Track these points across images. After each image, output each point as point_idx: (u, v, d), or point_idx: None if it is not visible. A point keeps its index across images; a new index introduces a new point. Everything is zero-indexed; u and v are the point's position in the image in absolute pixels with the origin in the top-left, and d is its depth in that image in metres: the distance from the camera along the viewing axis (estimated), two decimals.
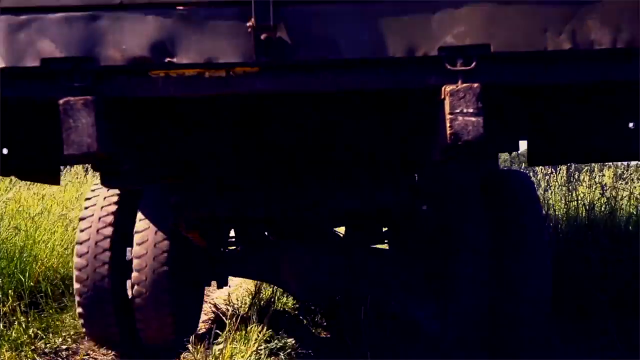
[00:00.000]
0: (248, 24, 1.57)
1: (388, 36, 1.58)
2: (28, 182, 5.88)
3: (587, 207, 4.20)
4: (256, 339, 3.19)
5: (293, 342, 3.44)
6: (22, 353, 3.22)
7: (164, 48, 1.61)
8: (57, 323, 3.80)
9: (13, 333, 3.41)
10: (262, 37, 1.57)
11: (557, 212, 4.77)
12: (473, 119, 1.55)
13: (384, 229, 3.65)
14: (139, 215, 3.12)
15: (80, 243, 3.14)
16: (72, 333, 3.66)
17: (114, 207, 3.22)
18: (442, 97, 1.59)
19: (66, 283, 4.67)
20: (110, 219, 3.18)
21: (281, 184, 2.63)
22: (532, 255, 2.85)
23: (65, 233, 5.16)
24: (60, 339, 3.53)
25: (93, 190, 3.39)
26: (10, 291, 3.96)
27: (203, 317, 4.64)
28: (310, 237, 3.32)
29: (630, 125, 1.94)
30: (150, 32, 1.60)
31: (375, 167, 2.58)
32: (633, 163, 4.78)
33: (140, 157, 2.16)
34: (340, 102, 2.04)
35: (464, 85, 1.57)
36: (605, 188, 4.62)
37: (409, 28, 1.59)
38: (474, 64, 1.58)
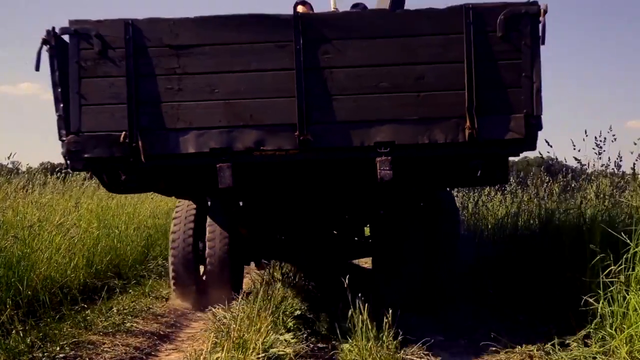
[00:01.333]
0: (295, 133, 3.49)
1: (353, 137, 3.51)
2: (26, 191, 5.89)
3: (584, 215, 4.31)
4: (254, 348, 3.19)
5: (292, 351, 3.44)
6: None
7: (260, 143, 3.52)
8: (55, 332, 3.79)
9: (11, 342, 3.41)
10: (301, 138, 3.48)
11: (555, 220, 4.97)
12: (388, 171, 3.45)
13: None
14: (208, 220, 5.02)
15: (174, 232, 5.20)
16: (70, 342, 3.65)
17: (193, 215, 5.22)
18: (376, 162, 3.48)
19: (64, 292, 4.66)
20: (192, 223, 5.18)
21: (300, 215, 5.06)
22: (449, 243, 4.92)
23: (63, 241, 5.15)
24: (58, 348, 3.52)
25: (178, 205, 5.44)
26: (8, 300, 3.96)
27: (201, 326, 4.67)
28: (315, 236, 5.20)
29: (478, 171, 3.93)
30: (255, 137, 3.51)
31: (351, 196, 4.88)
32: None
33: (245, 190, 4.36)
34: (333, 172, 4.18)
35: (384, 158, 3.47)
36: (605, 196, 4.77)
37: (361, 134, 3.50)
38: (388, 149, 3.48)
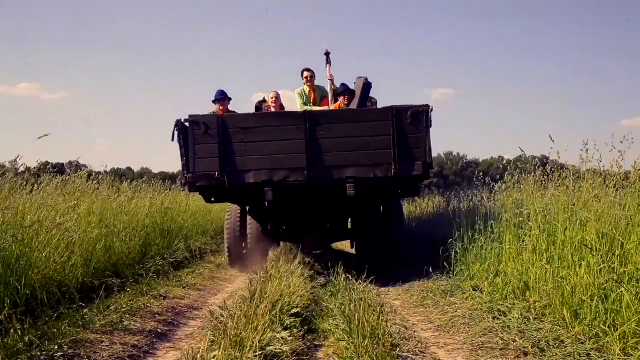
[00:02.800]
0: (305, 172, 6.48)
1: (335, 174, 6.48)
2: (27, 191, 5.89)
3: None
4: (251, 346, 3.21)
5: (289, 349, 3.46)
6: None
7: (287, 177, 6.49)
8: (54, 331, 3.81)
9: (9, 341, 3.42)
10: (308, 174, 6.46)
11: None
12: (352, 191, 6.41)
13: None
14: (248, 217, 7.74)
15: (228, 225, 8.12)
16: (68, 341, 3.67)
17: (239, 214, 8.03)
18: (346, 187, 6.43)
19: (62, 291, 4.68)
20: (238, 219, 7.99)
21: (307, 215, 7.71)
22: (398, 228, 8.30)
23: (61, 241, 5.16)
24: (56, 347, 3.53)
25: (228, 209, 8.37)
26: (6, 299, 3.98)
27: (199, 324, 4.69)
28: (316, 227, 7.89)
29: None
30: (284, 174, 6.49)
31: (336, 204, 7.36)
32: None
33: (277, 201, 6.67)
34: (325, 192, 6.82)
35: (350, 184, 6.42)
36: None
37: (339, 172, 6.46)
38: (352, 180, 6.40)
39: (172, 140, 6.45)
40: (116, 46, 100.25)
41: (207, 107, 8.09)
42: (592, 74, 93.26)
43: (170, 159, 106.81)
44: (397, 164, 6.37)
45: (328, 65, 8.05)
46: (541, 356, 3.44)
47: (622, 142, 4.71)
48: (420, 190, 8.85)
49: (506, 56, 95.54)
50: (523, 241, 5.08)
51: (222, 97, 7.95)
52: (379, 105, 7.48)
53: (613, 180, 4.72)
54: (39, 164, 7.30)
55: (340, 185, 6.43)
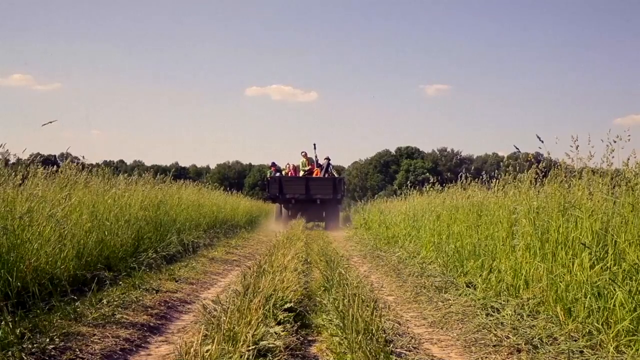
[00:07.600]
0: (304, 194, 21.56)
1: (313, 196, 20.84)
2: (17, 182, 5.82)
3: None
4: (244, 340, 3.19)
5: (282, 343, 3.45)
6: (9, 353, 3.19)
7: (300, 195, 20.93)
8: (45, 323, 3.77)
9: (0, 333, 3.39)
10: (306, 195, 21.08)
11: None
12: (319, 202, 21.66)
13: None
14: (282, 208, 21.67)
15: (276, 209, 22.26)
16: (59, 333, 3.63)
17: (280, 207, 22.13)
18: (318, 200, 21.47)
19: (54, 283, 4.64)
20: (279, 209, 21.96)
21: (304, 206, 21.39)
22: (336, 217, 22.44)
23: (53, 233, 5.12)
24: (48, 339, 3.49)
25: (276, 205, 23.10)
26: None
27: (191, 318, 4.67)
28: (309, 208, 20.89)
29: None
30: (299, 195, 21.01)
31: (315, 206, 21.89)
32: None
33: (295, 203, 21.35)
34: (311, 201, 21.55)
35: (319, 200, 21.48)
36: None
37: (315, 195, 21.11)
38: (319, 198, 21.12)
39: (264, 182, 23.39)
40: (109, 38, 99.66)
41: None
42: (587, 71, 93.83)
43: (163, 152, 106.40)
44: (333, 194, 19.73)
45: (315, 151, 21.24)
46: (534, 353, 3.45)
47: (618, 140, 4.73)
48: (343, 202, 24.64)
49: (501, 52, 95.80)
50: (516, 238, 5.08)
51: (274, 165, 21.43)
52: (336, 166, 22.05)
53: (609, 178, 4.71)
54: (30, 155, 7.20)
55: (316, 199, 19.64)
